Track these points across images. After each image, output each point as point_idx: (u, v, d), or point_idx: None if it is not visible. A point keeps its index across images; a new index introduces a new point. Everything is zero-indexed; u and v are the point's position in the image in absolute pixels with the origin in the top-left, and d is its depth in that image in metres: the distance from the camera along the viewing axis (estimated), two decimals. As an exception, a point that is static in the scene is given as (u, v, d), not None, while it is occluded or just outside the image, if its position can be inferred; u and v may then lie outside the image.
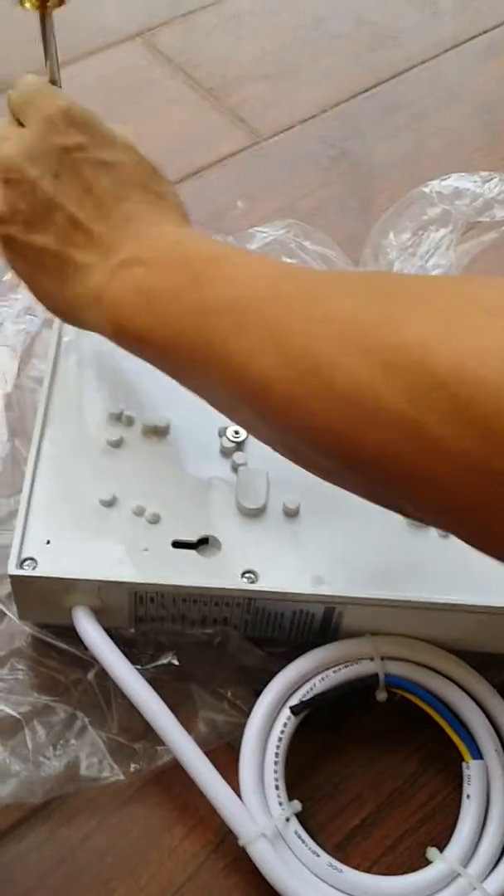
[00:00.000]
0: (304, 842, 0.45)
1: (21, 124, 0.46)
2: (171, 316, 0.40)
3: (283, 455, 0.39)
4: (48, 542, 0.48)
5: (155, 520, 0.48)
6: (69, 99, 0.46)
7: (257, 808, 0.45)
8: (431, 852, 0.45)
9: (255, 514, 0.49)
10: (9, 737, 0.48)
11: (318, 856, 0.44)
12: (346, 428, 0.33)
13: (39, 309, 0.61)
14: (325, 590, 0.47)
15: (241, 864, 0.45)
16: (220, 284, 0.39)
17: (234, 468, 0.50)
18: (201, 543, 0.48)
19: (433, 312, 0.32)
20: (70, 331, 0.55)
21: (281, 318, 0.36)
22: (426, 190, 0.69)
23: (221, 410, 0.41)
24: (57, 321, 0.55)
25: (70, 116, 0.44)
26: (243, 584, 0.47)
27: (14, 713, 0.48)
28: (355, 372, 0.32)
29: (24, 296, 0.62)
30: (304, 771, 0.48)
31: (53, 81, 0.48)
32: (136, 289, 0.41)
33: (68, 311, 0.46)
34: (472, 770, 0.46)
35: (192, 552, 0.48)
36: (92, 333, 0.44)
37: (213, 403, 0.41)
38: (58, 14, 0.46)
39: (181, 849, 0.46)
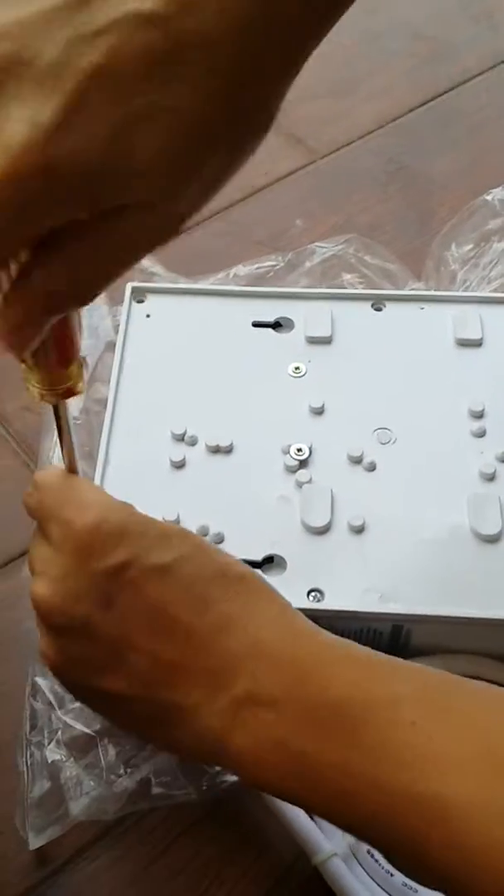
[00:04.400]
0: (377, 861, 0.44)
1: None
2: (337, 791, 0.32)
3: None
4: (115, 563, 0.48)
5: (219, 539, 0.49)
6: (97, 504, 0.37)
7: (329, 827, 0.44)
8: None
9: (320, 531, 0.49)
10: (82, 754, 0.48)
11: (391, 875, 0.44)
12: None
13: (101, 332, 0.62)
14: (393, 607, 0.47)
15: (315, 883, 0.44)
16: (396, 757, 0.30)
17: (299, 486, 0.50)
18: (266, 563, 0.48)
19: None
20: (132, 353, 0.56)
21: None
22: (488, 198, 0.69)
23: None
24: (119, 342, 0.56)
25: (104, 531, 0.36)
26: (309, 604, 0.47)
27: (88, 731, 0.48)
28: None
29: (86, 319, 0.63)
30: (375, 789, 0.47)
31: (72, 471, 0.40)
32: (273, 743, 0.33)
33: (187, 758, 0.39)
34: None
35: (258, 571, 0.48)
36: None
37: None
38: None
39: (255, 868, 0.46)
